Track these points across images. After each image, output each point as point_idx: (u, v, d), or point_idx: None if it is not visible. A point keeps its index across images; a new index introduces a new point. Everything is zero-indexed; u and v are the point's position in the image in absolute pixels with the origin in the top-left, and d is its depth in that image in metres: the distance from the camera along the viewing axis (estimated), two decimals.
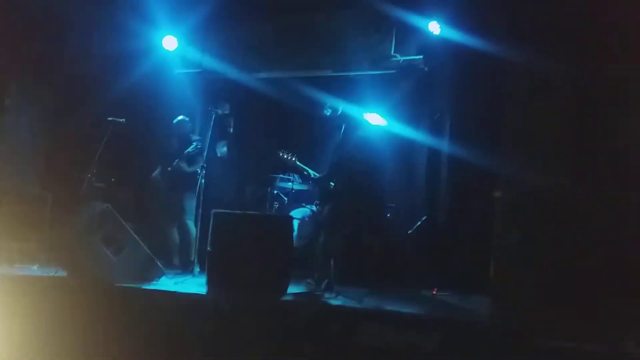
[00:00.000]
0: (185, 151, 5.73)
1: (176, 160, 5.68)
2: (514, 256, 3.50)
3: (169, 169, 5.69)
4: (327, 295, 4.22)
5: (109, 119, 5.42)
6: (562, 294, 3.38)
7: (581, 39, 3.59)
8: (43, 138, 5.60)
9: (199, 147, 5.78)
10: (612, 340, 3.11)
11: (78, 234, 4.28)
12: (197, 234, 5.45)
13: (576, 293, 3.34)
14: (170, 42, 6.81)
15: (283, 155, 5.59)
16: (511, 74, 3.79)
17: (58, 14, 6.09)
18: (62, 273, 4.46)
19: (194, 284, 4.56)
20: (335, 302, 4.06)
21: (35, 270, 4.88)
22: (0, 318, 3.98)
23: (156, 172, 5.86)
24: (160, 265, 4.72)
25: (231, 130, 7.80)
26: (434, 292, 4.90)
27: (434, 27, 5.86)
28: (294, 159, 5.52)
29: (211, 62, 6.99)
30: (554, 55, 3.58)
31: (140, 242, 4.51)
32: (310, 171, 5.59)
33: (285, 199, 7.24)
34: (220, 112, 5.66)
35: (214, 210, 4.33)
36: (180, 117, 6.00)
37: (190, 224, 5.67)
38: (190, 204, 5.70)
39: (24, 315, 4.02)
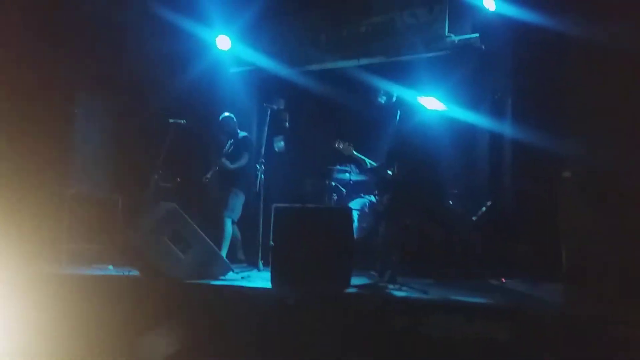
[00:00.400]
0: (224, 150, 5.80)
1: (220, 159, 5.79)
2: (587, 240, 3.32)
3: (216, 167, 5.80)
4: (390, 286, 4.18)
5: (170, 120, 5.58)
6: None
7: None
8: (110, 143, 5.86)
9: (233, 143, 5.86)
10: None
11: (147, 234, 4.44)
12: (237, 233, 5.71)
13: None
14: (223, 42, 6.95)
15: (339, 146, 5.57)
16: (576, 48, 3.57)
17: (116, 21, 6.32)
18: (134, 272, 4.66)
19: (260, 279, 4.66)
20: (399, 293, 4.01)
21: (110, 270, 5.13)
22: (78, 317, 4.22)
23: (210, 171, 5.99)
24: (227, 261, 4.85)
25: (287, 124, 7.87)
26: (503, 281, 4.75)
27: (489, 3, 5.64)
28: (350, 148, 5.48)
29: (264, 59, 7.06)
30: (623, 27, 3.34)
31: (207, 239, 4.63)
32: (367, 160, 5.54)
33: (344, 190, 7.23)
34: (275, 107, 5.70)
35: (274, 205, 4.38)
36: (225, 114, 6.08)
37: (227, 222, 5.71)
38: (235, 200, 5.77)
39: (99, 313, 4.24)
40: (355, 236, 6.52)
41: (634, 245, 3.22)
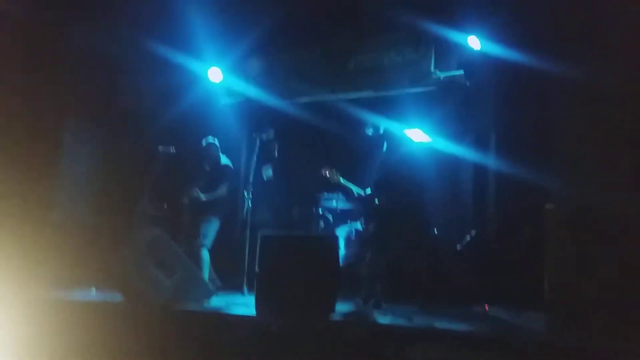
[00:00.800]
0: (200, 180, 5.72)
1: (193, 189, 5.62)
2: (569, 271, 3.39)
3: (186, 200, 5.64)
4: (375, 313, 4.19)
5: (160, 148, 5.62)
6: (621, 310, 3.23)
7: (631, 49, 3.49)
8: (98, 170, 5.87)
9: (212, 171, 5.78)
10: None
11: (132, 259, 4.43)
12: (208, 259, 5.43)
13: (637, 309, 3.20)
14: (215, 74, 7.08)
15: (326, 173, 5.62)
16: (559, 87, 3.71)
17: (109, 54, 6.44)
18: (117, 297, 4.62)
19: (244, 305, 4.63)
20: (383, 320, 4.02)
21: (93, 294, 5.08)
22: (60, 341, 4.15)
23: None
24: (211, 286, 4.83)
25: (276, 154, 7.97)
26: (486, 308, 4.79)
27: (474, 43, 5.85)
28: (337, 176, 5.55)
29: (254, 91, 7.19)
30: (603, 67, 3.50)
31: (192, 264, 4.63)
32: (354, 188, 5.60)
33: (331, 217, 7.29)
34: (264, 137, 5.77)
35: (260, 233, 4.41)
36: (208, 139, 5.94)
37: (203, 250, 5.46)
38: (207, 228, 5.58)
39: (81, 338, 4.18)
40: (341, 263, 6.57)
41: (615, 278, 3.28)
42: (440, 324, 3.93)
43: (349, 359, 3.57)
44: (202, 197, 5.57)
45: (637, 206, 3.30)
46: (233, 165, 6.16)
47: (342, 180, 5.61)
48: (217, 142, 6.00)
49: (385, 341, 3.59)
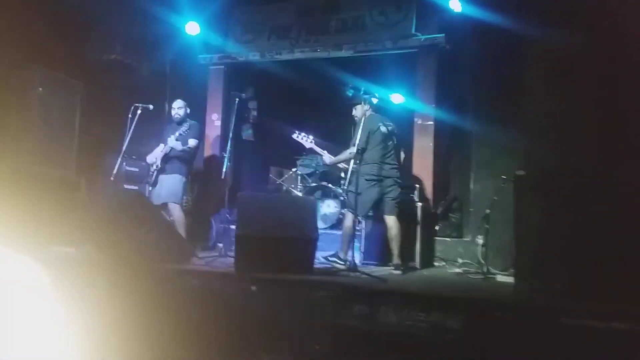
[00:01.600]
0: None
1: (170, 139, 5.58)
2: (536, 234, 3.50)
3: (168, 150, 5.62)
4: (351, 274, 4.30)
5: (137, 105, 5.52)
6: (587, 272, 3.37)
7: (601, 15, 3.53)
8: (75, 125, 5.75)
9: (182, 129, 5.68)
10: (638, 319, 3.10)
11: (109, 217, 4.43)
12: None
13: (602, 271, 3.34)
14: (192, 28, 6.91)
15: (299, 137, 5.59)
16: (531, 51, 3.75)
17: (86, 4, 6.21)
18: (96, 255, 4.63)
19: (224, 264, 4.70)
20: (358, 281, 4.14)
21: (72, 252, 5.07)
22: (42, 299, 4.18)
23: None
24: (191, 246, 4.88)
25: (255, 113, 7.92)
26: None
27: (455, 5, 5.81)
28: (310, 140, 5.50)
29: (233, 47, 7.06)
30: (574, 32, 3.53)
31: (171, 224, 4.64)
32: (326, 155, 5.58)
33: (310, 179, 7.35)
34: (244, 96, 5.70)
35: (239, 193, 4.44)
36: (177, 101, 5.89)
37: (175, 207, 5.49)
38: (177, 186, 5.58)
39: (62, 295, 4.21)
40: (320, 225, 6.68)
41: (582, 241, 3.41)
42: (413, 287, 4.08)
43: (324, 317, 3.68)
44: (179, 145, 5.52)
45: (603, 170, 3.41)
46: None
47: (314, 145, 5.55)
48: (183, 104, 5.90)
49: (358, 301, 3.70)
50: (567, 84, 3.61)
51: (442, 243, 5.79)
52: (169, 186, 5.57)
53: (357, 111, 5.15)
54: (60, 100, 5.51)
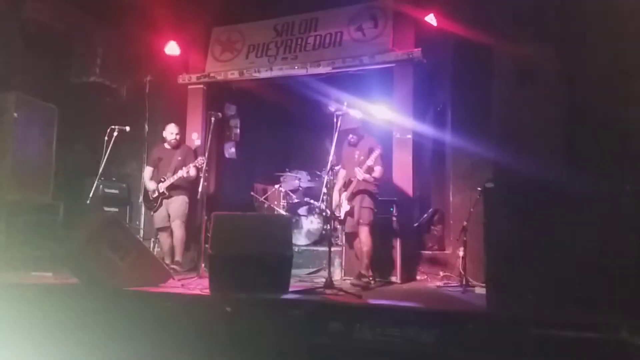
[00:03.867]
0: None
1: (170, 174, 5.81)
2: (506, 245, 3.50)
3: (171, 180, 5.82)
4: (327, 291, 4.28)
5: (113, 127, 5.53)
6: (557, 283, 3.37)
7: (568, 27, 3.58)
8: (52, 149, 5.74)
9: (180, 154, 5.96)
10: (608, 329, 3.10)
11: (85, 242, 4.40)
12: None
13: (572, 281, 3.34)
14: (172, 48, 6.96)
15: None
16: (499, 62, 3.78)
17: (62, 28, 6.25)
18: (74, 280, 4.60)
19: (201, 285, 4.66)
20: (334, 297, 4.12)
21: (50, 277, 5.04)
22: (15, 325, 4.14)
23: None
24: (167, 268, 4.85)
25: (238, 131, 7.94)
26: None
27: (431, 19, 5.88)
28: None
29: (213, 66, 7.09)
30: (540, 44, 3.58)
31: (146, 246, 4.61)
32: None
33: (294, 196, 7.36)
34: (220, 115, 5.70)
35: (213, 213, 4.41)
36: (171, 126, 6.05)
37: (179, 225, 5.82)
38: (184, 206, 5.89)
39: (38, 321, 4.18)
40: (303, 242, 6.67)
41: (552, 251, 3.40)
42: (390, 301, 4.06)
43: (300, 336, 3.65)
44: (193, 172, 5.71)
45: (571, 181, 3.43)
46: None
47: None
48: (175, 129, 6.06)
49: (334, 318, 3.68)
50: (532, 94, 3.64)
51: (424, 256, 5.78)
52: (177, 208, 5.83)
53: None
54: (36, 124, 5.51)
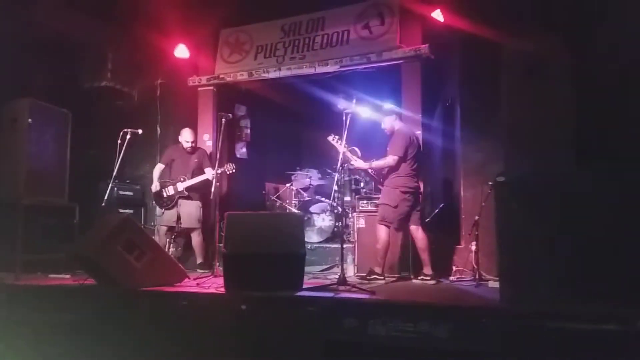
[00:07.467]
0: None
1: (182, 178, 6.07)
2: (518, 239, 3.50)
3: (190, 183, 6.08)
4: (340, 288, 4.31)
5: (126, 130, 5.62)
6: (570, 275, 3.37)
7: (576, 19, 3.57)
8: (66, 153, 5.82)
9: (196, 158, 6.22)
10: (623, 320, 3.09)
11: (101, 242, 4.47)
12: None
13: (585, 274, 3.33)
14: (182, 51, 7.02)
15: (333, 140, 5.33)
16: (506, 56, 3.78)
17: (73, 33, 6.33)
18: (91, 281, 4.68)
19: (216, 284, 4.71)
20: (348, 295, 4.15)
21: (67, 278, 5.12)
22: (34, 327, 4.23)
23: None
24: (182, 268, 4.91)
25: (248, 131, 8.01)
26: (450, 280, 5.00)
27: (438, 15, 5.87)
28: (342, 144, 5.28)
29: (223, 67, 7.14)
30: (548, 37, 3.57)
31: (161, 247, 4.67)
32: (359, 161, 5.40)
33: (305, 194, 7.39)
34: (230, 116, 5.76)
35: (226, 213, 4.47)
36: (186, 131, 6.22)
37: (197, 232, 6.06)
38: (198, 212, 6.12)
39: (56, 323, 4.26)
40: (316, 239, 6.70)
41: (563, 244, 3.40)
42: (402, 297, 4.08)
43: (315, 333, 3.69)
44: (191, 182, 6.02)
45: (578, 177, 3.43)
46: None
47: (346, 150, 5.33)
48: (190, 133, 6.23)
49: (348, 315, 3.71)
50: (541, 87, 3.64)
51: (437, 251, 5.77)
52: (192, 214, 6.03)
53: (386, 123, 5.32)
54: (50, 129, 5.59)
